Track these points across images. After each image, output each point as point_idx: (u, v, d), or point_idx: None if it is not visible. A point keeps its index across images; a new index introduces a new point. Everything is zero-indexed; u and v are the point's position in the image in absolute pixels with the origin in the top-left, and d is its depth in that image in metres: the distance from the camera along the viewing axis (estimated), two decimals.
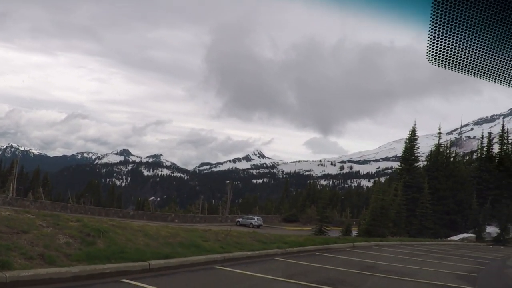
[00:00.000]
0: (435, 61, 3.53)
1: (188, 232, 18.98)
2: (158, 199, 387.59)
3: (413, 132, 72.37)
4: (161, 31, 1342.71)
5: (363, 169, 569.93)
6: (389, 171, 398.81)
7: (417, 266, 21.90)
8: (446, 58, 3.50)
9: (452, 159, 76.99)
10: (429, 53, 3.48)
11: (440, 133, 76.77)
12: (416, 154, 73.27)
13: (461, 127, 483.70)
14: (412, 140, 72.72)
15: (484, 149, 79.58)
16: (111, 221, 17.16)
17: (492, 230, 66.67)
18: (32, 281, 9.41)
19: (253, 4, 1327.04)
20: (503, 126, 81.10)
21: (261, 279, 13.31)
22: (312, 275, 15.22)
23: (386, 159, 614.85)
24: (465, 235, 63.14)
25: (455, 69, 3.60)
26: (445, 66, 3.55)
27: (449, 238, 60.75)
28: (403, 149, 74.82)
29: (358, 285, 14.25)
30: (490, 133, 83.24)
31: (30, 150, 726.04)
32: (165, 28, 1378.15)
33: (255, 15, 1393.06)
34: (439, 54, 3.49)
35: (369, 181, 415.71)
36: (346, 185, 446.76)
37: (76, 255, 11.35)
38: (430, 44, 3.42)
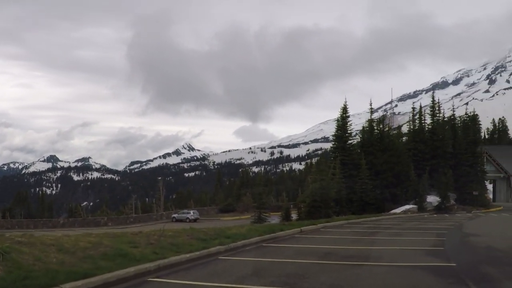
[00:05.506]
0: None
1: (114, 239, 16.10)
2: (91, 203, 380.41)
3: (344, 109, 71.44)
4: (86, 30, 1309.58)
5: (293, 152, 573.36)
6: (319, 152, 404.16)
7: (377, 247, 20.42)
8: None
9: (387, 132, 76.47)
10: None
11: (371, 108, 76.38)
12: (349, 131, 72.33)
13: (386, 104, 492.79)
14: (344, 117, 71.75)
15: (417, 121, 79.77)
16: (21, 237, 14.14)
17: (432, 199, 66.97)
18: None
19: None
20: (433, 98, 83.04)
21: None
22: (267, 275, 12.79)
23: (315, 141, 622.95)
24: (407, 206, 62.95)
25: None
26: None
27: (391, 211, 60.12)
28: (336, 127, 73.51)
29: (323, 280, 11.91)
30: (421, 106, 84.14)
31: None
32: (91, 26, 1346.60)
33: (175, 5, 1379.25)
34: None
35: (300, 164, 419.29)
36: (278, 170, 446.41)
37: None
38: None
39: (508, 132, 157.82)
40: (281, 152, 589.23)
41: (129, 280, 11.48)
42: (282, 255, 17.39)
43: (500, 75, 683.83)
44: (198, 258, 15.22)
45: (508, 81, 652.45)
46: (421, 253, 18.06)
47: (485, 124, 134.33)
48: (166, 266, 13.36)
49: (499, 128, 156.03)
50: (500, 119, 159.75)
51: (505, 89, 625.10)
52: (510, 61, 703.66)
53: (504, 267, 14.50)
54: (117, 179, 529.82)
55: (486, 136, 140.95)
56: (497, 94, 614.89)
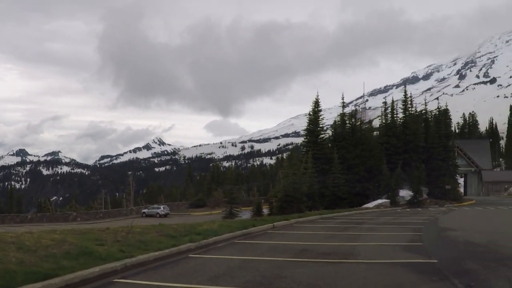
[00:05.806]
0: None
1: (79, 236, 15.21)
2: (61, 198, 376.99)
3: (316, 103, 70.82)
4: (57, 22, 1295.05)
5: (264, 147, 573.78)
6: (290, 147, 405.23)
7: (353, 242, 19.85)
8: None
9: (359, 126, 75.97)
10: None
11: (343, 102, 75.47)
12: (321, 125, 71.75)
13: (357, 98, 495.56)
14: (316, 111, 71.13)
15: (389, 115, 79.23)
16: None
17: (405, 193, 66.72)
18: None
19: None
20: (405, 92, 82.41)
21: None
22: (240, 274, 12.07)
23: (286, 135, 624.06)
24: (379, 201, 62.48)
25: None
26: None
27: (364, 206, 59.69)
28: (308, 121, 72.80)
29: (301, 279, 11.27)
30: (393, 100, 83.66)
31: None
32: (62, 19, 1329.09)
33: None
34: None
35: (271, 158, 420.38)
36: (248, 165, 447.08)
37: None
38: None
39: (478, 126, 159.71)
40: (252, 147, 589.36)
41: (94, 281, 10.65)
42: (255, 252, 16.73)
43: (470, 70, 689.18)
44: (167, 256, 14.44)
45: (478, 76, 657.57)
46: (399, 249, 17.65)
47: (455, 119, 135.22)
48: (134, 265, 12.53)
49: (470, 122, 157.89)
50: (470, 113, 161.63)
51: (474, 84, 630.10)
52: (480, 57, 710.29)
53: (487, 262, 14.08)
54: (87, 173, 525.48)
55: (457, 131, 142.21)
56: (467, 89, 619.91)
